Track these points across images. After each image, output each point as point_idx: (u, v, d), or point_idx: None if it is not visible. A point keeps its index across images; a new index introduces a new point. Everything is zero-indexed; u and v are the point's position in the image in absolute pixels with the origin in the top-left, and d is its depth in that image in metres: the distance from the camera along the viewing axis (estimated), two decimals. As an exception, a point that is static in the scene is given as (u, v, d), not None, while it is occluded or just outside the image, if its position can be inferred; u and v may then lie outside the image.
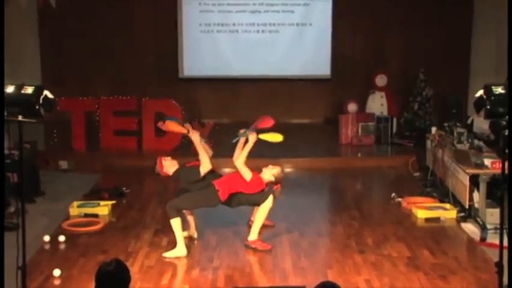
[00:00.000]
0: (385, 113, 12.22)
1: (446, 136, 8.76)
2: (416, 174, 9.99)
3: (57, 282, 5.85)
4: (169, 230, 6.76)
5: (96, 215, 7.83)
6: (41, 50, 13.31)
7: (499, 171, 6.69)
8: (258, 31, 13.62)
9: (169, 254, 6.47)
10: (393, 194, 8.58)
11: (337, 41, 13.49)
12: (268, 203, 6.69)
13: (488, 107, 4.50)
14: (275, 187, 6.81)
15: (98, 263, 4.24)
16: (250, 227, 6.94)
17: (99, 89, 12.55)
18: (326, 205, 9.20)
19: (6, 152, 7.26)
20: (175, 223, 6.50)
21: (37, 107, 4.41)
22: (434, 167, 9.01)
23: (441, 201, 8.19)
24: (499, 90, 4.48)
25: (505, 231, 4.65)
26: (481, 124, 8.96)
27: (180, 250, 6.49)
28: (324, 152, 11.37)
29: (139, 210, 8.17)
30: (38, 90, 4.45)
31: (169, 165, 6.98)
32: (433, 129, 9.50)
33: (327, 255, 6.72)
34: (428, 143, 9.55)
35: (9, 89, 4.41)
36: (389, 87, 12.51)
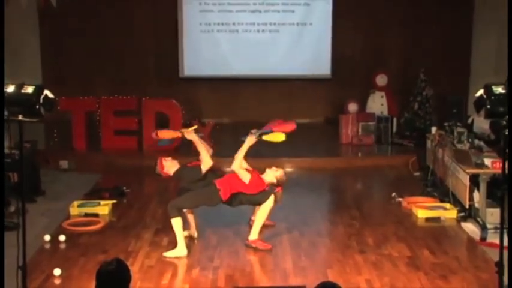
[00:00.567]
0: (386, 112, 12.22)
1: (446, 136, 8.76)
2: (417, 174, 9.99)
3: (57, 281, 5.86)
4: (169, 230, 6.76)
5: (96, 215, 7.83)
6: (42, 50, 13.32)
7: (499, 170, 6.69)
8: (258, 31, 13.62)
9: (169, 254, 6.47)
10: (393, 194, 8.58)
11: (338, 40, 13.49)
12: (269, 202, 6.70)
13: (488, 106, 4.50)
14: (276, 190, 6.81)
15: (98, 263, 4.25)
16: (250, 226, 6.94)
17: (99, 88, 12.55)
18: (326, 205, 9.20)
19: (6, 151, 7.26)
20: (176, 223, 6.51)
21: (37, 106, 4.41)
22: (435, 167, 9.01)
23: (441, 201, 8.19)
24: (499, 89, 4.48)
25: (505, 231, 4.65)
26: (481, 124, 8.96)
27: (181, 250, 6.49)
28: (324, 152, 11.37)
29: (139, 209, 8.17)
30: (39, 90, 4.45)
31: (170, 166, 6.98)
32: (433, 129, 9.50)
33: (328, 255, 6.72)
34: (429, 143, 9.55)
35: (10, 89, 4.41)
36: (390, 87, 12.51)
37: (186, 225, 6.81)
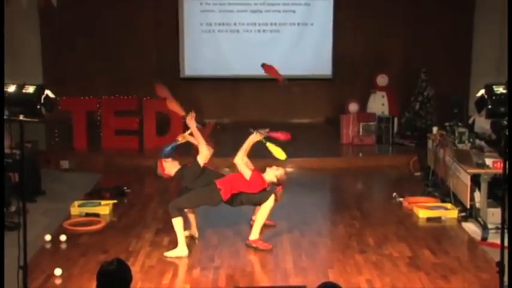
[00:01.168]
0: (386, 112, 12.22)
1: (447, 136, 8.76)
2: (418, 174, 9.99)
3: (58, 281, 5.86)
4: (170, 230, 6.76)
5: (97, 215, 7.83)
6: (42, 50, 13.31)
7: (500, 170, 6.68)
8: (259, 31, 13.61)
9: (170, 254, 6.48)
10: (394, 194, 8.58)
11: (338, 40, 13.48)
12: (270, 202, 6.70)
13: (489, 106, 4.50)
14: (277, 189, 6.82)
15: (99, 263, 4.25)
16: (251, 226, 6.95)
17: (100, 88, 12.55)
18: (327, 205, 9.20)
19: (7, 151, 7.26)
20: (177, 222, 6.51)
21: (38, 106, 4.40)
22: (436, 167, 9.00)
23: (442, 201, 8.19)
24: (500, 89, 4.48)
25: (506, 231, 4.65)
26: (482, 124, 8.96)
27: (181, 250, 6.49)
28: (325, 152, 11.37)
29: (140, 209, 8.18)
30: (39, 90, 4.45)
31: (170, 167, 6.98)
32: (434, 129, 9.49)
33: (328, 255, 6.72)
34: (430, 143, 9.54)
35: (11, 89, 4.41)
36: (391, 87, 12.51)
37: (186, 225, 6.81)
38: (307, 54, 13.50)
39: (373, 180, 10.28)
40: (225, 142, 10.14)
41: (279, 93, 13.56)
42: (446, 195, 8.23)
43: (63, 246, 6.84)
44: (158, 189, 9.08)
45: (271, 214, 6.88)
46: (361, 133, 11.80)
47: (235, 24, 13.57)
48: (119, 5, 13.28)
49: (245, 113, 12.90)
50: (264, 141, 6.86)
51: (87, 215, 7.83)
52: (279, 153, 6.98)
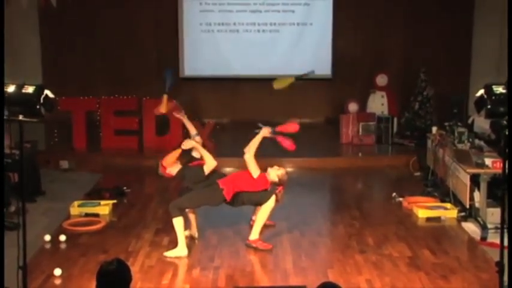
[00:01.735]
0: (386, 112, 12.22)
1: (447, 136, 8.76)
2: (417, 173, 9.98)
3: (57, 281, 5.85)
4: (170, 230, 6.76)
5: (96, 215, 7.83)
6: (42, 50, 13.31)
7: (499, 170, 6.69)
8: (258, 31, 13.61)
9: (170, 254, 6.47)
10: (394, 194, 8.58)
11: (338, 40, 13.48)
12: (271, 203, 6.70)
13: (489, 106, 4.49)
14: (278, 189, 6.81)
15: (99, 263, 4.24)
16: (251, 226, 6.94)
17: (99, 88, 12.55)
18: (327, 205, 9.20)
19: (7, 151, 7.26)
20: (178, 222, 6.50)
21: (38, 106, 4.40)
22: (435, 167, 9.01)
23: (442, 201, 8.19)
24: (500, 89, 4.48)
25: (505, 230, 4.65)
26: (482, 124, 8.96)
27: (181, 250, 6.49)
28: (325, 152, 11.37)
29: (140, 209, 8.17)
30: (39, 90, 4.45)
31: (171, 166, 6.98)
32: (434, 129, 9.49)
33: (328, 255, 6.72)
34: (429, 143, 9.54)
35: (10, 89, 4.41)
36: (390, 86, 12.51)
37: (186, 225, 6.81)
38: (307, 54, 13.50)
39: (372, 180, 10.28)
40: (225, 142, 10.17)
41: (278, 93, 13.55)
42: (445, 195, 8.23)
43: (63, 246, 6.83)
44: (158, 189, 9.08)
45: (271, 214, 6.88)
46: (360, 133, 11.81)
47: (234, 24, 13.58)
48: (119, 5, 13.28)
49: (245, 113, 12.89)
50: (273, 134, 6.86)
51: (87, 215, 7.83)
52: (285, 81, 6.93)
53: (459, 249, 6.89)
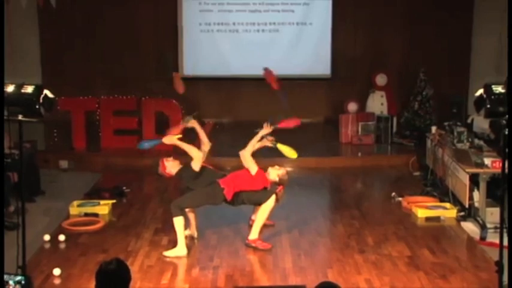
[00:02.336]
0: (385, 112, 12.22)
1: (446, 135, 8.76)
2: (417, 173, 9.99)
3: (57, 281, 5.86)
4: (169, 229, 6.76)
5: (96, 214, 7.83)
6: (41, 49, 13.30)
7: (499, 170, 6.69)
8: (258, 30, 13.60)
9: (169, 253, 6.48)
10: (393, 194, 8.58)
11: (337, 40, 13.47)
12: (270, 202, 6.70)
13: (488, 106, 4.50)
14: (278, 189, 6.82)
15: (98, 262, 4.24)
16: (250, 226, 6.95)
17: (99, 88, 12.54)
18: (326, 204, 9.20)
19: (6, 151, 7.26)
20: (178, 222, 6.50)
21: (37, 106, 4.40)
22: (435, 167, 9.01)
23: (441, 201, 8.19)
24: (499, 89, 4.48)
25: (505, 230, 4.65)
26: (481, 123, 8.96)
27: (181, 249, 6.49)
28: (324, 152, 11.37)
29: (139, 209, 8.17)
30: (38, 90, 4.45)
31: (171, 165, 6.99)
32: (433, 129, 9.50)
33: (327, 254, 6.72)
34: (429, 143, 9.55)
35: (10, 88, 4.41)
36: (390, 86, 12.50)
37: (186, 225, 6.81)
38: (306, 54, 13.49)
39: (372, 180, 10.28)
40: (224, 142, 10.16)
41: (278, 93, 13.56)
42: (445, 194, 8.24)
43: (62, 246, 6.83)
44: (157, 189, 9.08)
45: (271, 214, 6.88)
46: (360, 133, 11.80)
47: (234, 24, 13.57)
48: (119, 4, 13.26)
49: (244, 112, 12.89)
50: (274, 144, 6.93)
51: (86, 214, 7.83)
52: (290, 152, 7.05)
53: (458, 249, 6.89)
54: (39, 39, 13.25)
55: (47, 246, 6.81)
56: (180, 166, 6.99)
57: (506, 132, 4.62)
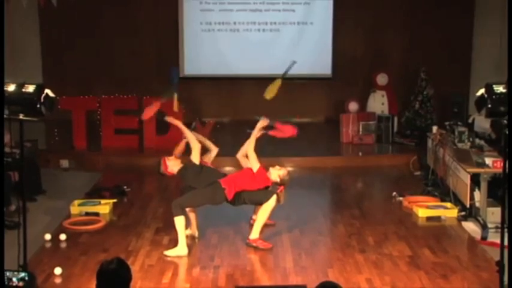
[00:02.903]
0: (386, 112, 12.21)
1: (447, 135, 8.76)
2: (417, 173, 9.98)
3: (58, 280, 5.86)
4: (170, 229, 6.77)
5: (97, 214, 7.83)
6: (42, 49, 13.32)
7: (500, 170, 6.69)
8: (259, 30, 13.61)
9: (170, 253, 6.48)
10: (394, 193, 8.58)
11: (338, 40, 13.48)
12: (271, 202, 6.70)
13: (489, 105, 4.49)
14: (279, 189, 6.82)
15: (99, 262, 4.24)
16: (251, 225, 6.95)
17: (100, 87, 12.53)
18: (327, 204, 9.20)
19: (7, 150, 7.25)
20: (179, 221, 6.51)
21: (38, 105, 4.40)
22: (435, 166, 9.00)
23: (442, 200, 8.19)
24: (500, 89, 4.47)
25: (506, 230, 4.65)
26: (482, 123, 8.95)
27: (181, 249, 6.49)
28: (325, 151, 11.36)
29: (140, 208, 8.17)
30: (39, 89, 4.44)
31: (173, 164, 7.00)
32: (434, 128, 9.48)
33: (328, 254, 6.72)
34: (430, 142, 9.54)
35: (11, 88, 4.41)
36: (390, 86, 12.50)
37: (187, 224, 6.81)
38: (307, 54, 13.48)
39: (373, 180, 10.27)
40: (225, 141, 10.14)
41: (279, 92, 13.55)
42: (446, 194, 8.24)
43: (63, 245, 6.84)
44: (158, 188, 9.08)
45: (271, 213, 6.88)
46: (361, 132, 11.80)
47: (235, 23, 13.57)
48: (120, 4, 13.28)
49: (245, 112, 12.89)
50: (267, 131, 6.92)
51: (87, 214, 7.83)
52: (274, 86, 7.16)
53: (459, 248, 6.89)
54: (40, 38, 13.26)
55: (48, 245, 6.81)
56: (181, 165, 7.00)
57: (507, 132, 4.61)
